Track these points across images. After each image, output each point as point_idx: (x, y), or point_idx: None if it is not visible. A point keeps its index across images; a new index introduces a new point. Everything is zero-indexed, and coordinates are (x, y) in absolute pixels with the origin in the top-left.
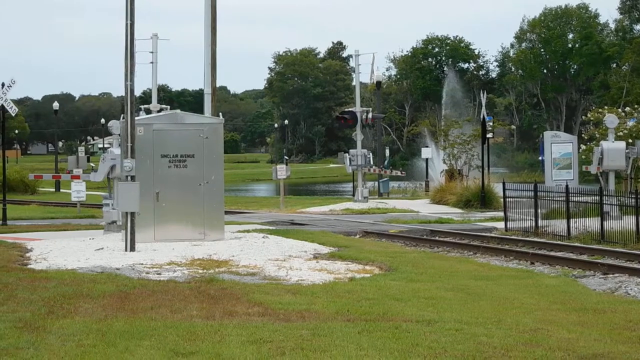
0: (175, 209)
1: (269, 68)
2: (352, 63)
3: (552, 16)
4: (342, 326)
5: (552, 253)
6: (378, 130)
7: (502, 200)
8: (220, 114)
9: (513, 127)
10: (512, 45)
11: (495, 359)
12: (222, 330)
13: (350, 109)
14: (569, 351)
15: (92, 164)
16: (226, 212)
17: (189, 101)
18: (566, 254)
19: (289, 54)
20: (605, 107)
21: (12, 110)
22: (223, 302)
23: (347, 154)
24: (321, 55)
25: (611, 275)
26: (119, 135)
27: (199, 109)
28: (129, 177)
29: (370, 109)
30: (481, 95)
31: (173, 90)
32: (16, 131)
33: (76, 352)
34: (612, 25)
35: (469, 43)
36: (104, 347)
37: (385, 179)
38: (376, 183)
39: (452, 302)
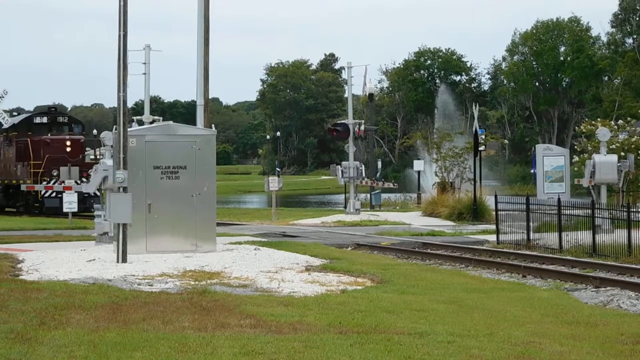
0: (168, 220)
1: (261, 80)
2: (344, 75)
3: (543, 29)
4: (334, 338)
5: (544, 266)
6: (370, 143)
7: (494, 213)
8: (213, 125)
9: (505, 141)
10: (504, 58)
11: None
12: (214, 342)
13: (342, 121)
14: None
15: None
16: (218, 224)
17: (182, 112)
18: (558, 267)
19: (281, 65)
20: (598, 120)
21: (5, 120)
22: (215, 314)
23: (339, 166)
24: (313, 67)
25: (603, 289)
26: (112, 146)
27: (192, 121)
28: (121, 189)
29: (363, 121)
30: (473, 108)
31: (165, 101)
32: None
33: None
34: (604, 39)
35: (461, 55)
36: (95, 359)
37: (377, 191)
38: (368, 195)
39: (444, 315)
